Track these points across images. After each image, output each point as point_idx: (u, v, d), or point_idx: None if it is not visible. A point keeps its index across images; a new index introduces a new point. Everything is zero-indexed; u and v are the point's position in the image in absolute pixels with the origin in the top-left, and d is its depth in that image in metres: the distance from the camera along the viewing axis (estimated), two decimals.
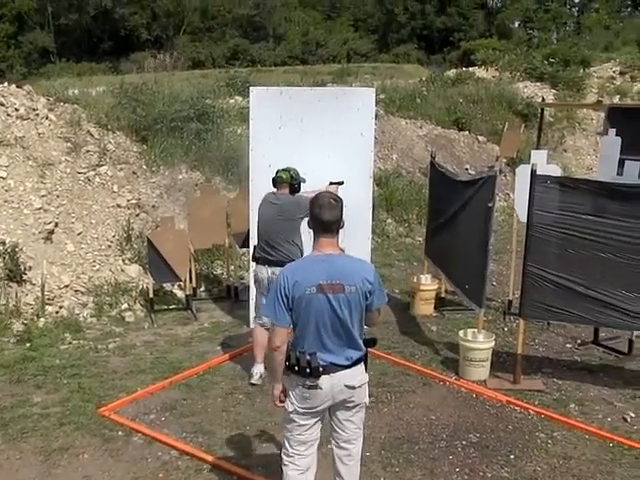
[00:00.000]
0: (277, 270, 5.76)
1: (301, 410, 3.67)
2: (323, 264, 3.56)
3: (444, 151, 14.20)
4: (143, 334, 7.38)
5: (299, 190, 6.02)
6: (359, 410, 3.77)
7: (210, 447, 5.02)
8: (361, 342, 3.66)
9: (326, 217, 3.55)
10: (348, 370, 3.61)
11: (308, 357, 3.55)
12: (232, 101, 13.02)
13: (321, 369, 3.55)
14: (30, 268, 7.63)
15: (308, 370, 3.55)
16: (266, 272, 5.95)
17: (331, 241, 3.60)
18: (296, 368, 3.59)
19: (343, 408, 3.72)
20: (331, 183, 6.22)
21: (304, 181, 6.08)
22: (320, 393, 3.59)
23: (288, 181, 5.96)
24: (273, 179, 6.02)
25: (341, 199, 3.68)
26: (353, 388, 3.64)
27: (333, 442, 3.86)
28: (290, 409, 3.70)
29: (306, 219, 3.92)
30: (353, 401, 3.69)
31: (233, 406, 5.67)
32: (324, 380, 3.57)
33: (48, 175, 8.66)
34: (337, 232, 3.62)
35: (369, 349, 3.75)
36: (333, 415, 3.77)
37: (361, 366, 3.69)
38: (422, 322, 7.70)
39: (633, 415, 5.54)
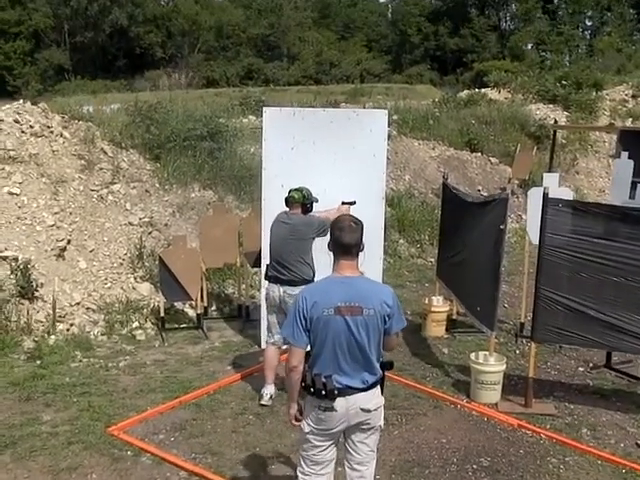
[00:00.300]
0: (289, 289, 5.81)
1: (317, 431, 3.68)
2: (342, 286, 3.58)
3: (456, 172, 14.20)
4: (154, 353, 7.38)
5: (311, 210, 6.05)
6: (374, 433, 3.77)
7: (219, 468, 5.00)
8: (378, 366, 3.66)
9: (346, 240, 3.58)
10: (364, 393, 3.61)
11: (324, 379, 3.55)
12: (245, 120, 13.10)
13: (336, 392, 3.54)
14: (42, 285, 7.67)
15: (324, 392, 3.55)
16: (278, 291, 5.97)
17: (351, 264, 3.62)
18: (312, 389, 3.60)
19: (358, 430, 3.72)
20: (343, 203, 6.24)
21: (316, 201, 6.10)
22: (335, 415, 3.60)
23: (300, 201, 6.00)
24: (285, 199, 6.05)
25: (361, 222, 3.70)
26: (369, 411, 3.64)
27: (346, 464, 3.85)
28: (306, 430, 3.71)
29: (325, 239, 3.94)
30: (369, 424, 3.70)
31: (243, 427, 5.64)
32: (339, 402, 3.57)
33: (61, 192, 8.72)
34: (357, 255, 3.64)
35: (386, 372, 3.75)
36: (348, 437, 3.77)
37: (377, 389, 3.69)
38: (433, 344, 7.67)
39: None
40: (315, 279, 5.70)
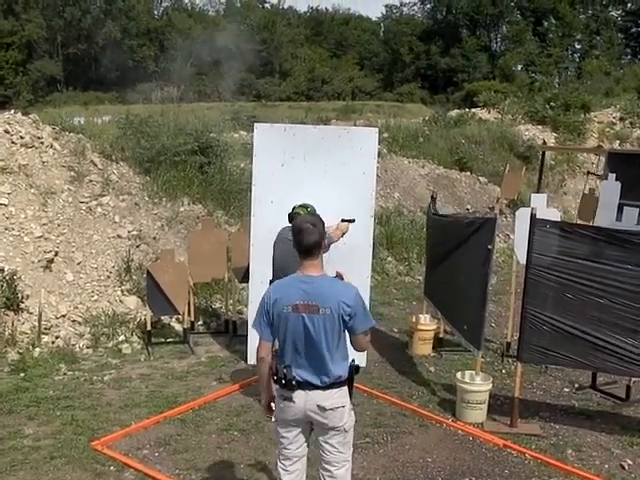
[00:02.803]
0: None
1: (280, 421, 3.83)
2: (302, 284, 3.71)
3: (446, 191, 14.28)
4: (139, 367, 7.33)
5: None
6: (337, 434, 3.80)
7: None
8: (340, 366, 3.72)
9: (306, 241, 3.71)
10: (323, 391, 3.70)
11: (285, 370, 3.69)
12: (236, 135, 13.14)
13: (294, 383, 3.68)
14: (28, 297, 7.62)
15: (284, 382, 3.70)
16: None
17: (312, 263, 3.75)
18: (275, 378, 3.77)
19: (321, 429, 3.81)
20: (343, 220, 6.27)
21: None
22: (293, 407, 3.72)
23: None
24: (289, 214, 6.03)
25: (321, 221, 3.82)
26: (324, 410, 3.70)
27: (319, 463, 3.93)
28: (273, 419, 3.89)
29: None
30: (326, 423, 3.75)
31: (227, 443, 5.61)
32: (298, 395, 3.70)
33: (50, 203, 8.70)
34: (318, 254, 3.76)
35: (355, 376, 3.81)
36: (315, 437, 3.87)
37: (340, 391, 3.75)
38: (420, 362, 7.67)
39: (630, 462, 5.47)
40: None
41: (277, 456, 3.94)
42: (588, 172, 13.19)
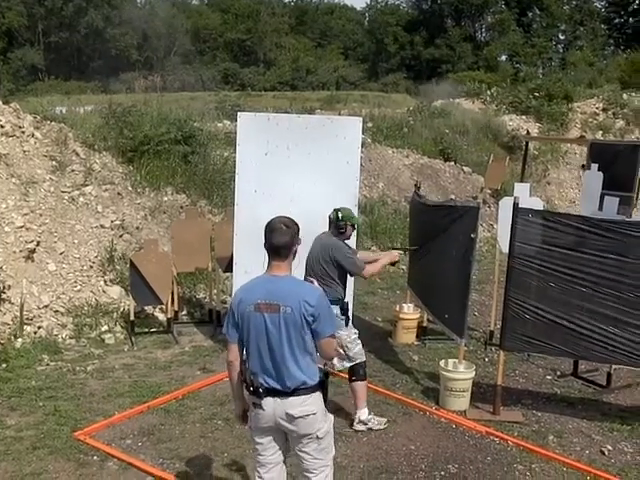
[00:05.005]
0: (332, 307, 5.58)
1: (253, 427, 3.73)
2: (266, 284, 3.62)
3: (430, 181, 14.31)
4: (122, 357, 7.31)
5: (344, 230, 5.77)
6: (311, 441, 3.66)
7: (187, 474, 4.96)
8: (306, 371, 3.59)
9: (275, 241, 3.60)
10: (290, 398, 3.58)
11: (252, 376, 3.60)
12: (220, 125, 13.07)
13: (261, 390, 3.57)
14: (9, 287, 7.56)
15: (252, 389, 3.61)
16: None
17: (280, 264, 3.63)
18: (245, 384, 3.66)
19: (293, 438, 3.69)
20: (393, 248, 6.08)
21: (358, 222, 6.10)
22: (263, 414, 3.61)
23: (334, 221, 5.77)
24: (329, 216, 5.83)
25: (296, 225, 3.69)
26: (293, 418, 3.58)
27: (299, 469, 3.84)
28: (247, 427, 3.81)
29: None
30: (296, 431, 3.63)
31: (211, 432, 5.61)
32: (268, 402, 3.59)
33: (32, 193, 8.61)
34: (287, 256, 3.64)
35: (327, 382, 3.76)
36: (291, 444, 3.75)
37: (309, 397, 3.61)
38: (403, 351, 7.70)
39: (610, 448, 5.55)
40: (344, 304, 5.70)
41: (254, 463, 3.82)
42: (583, 166, 13.24)
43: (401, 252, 6.01)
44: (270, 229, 3.63)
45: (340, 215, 5.72)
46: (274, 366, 3.57)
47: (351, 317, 5.88)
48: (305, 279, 5.63)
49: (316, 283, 3.83)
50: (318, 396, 3.68)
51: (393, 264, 6.20)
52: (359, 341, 5.83)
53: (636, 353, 5.68)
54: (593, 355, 5.91)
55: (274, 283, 3.60)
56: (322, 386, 3.71)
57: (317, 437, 3.67)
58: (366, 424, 5.75)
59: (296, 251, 3.70)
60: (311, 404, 3.62)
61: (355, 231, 6.10)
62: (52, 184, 9.01)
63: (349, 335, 5.72)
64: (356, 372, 5.72)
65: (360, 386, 5.78)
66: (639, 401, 6.56)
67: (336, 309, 5.46)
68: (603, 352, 5.77)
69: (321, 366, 3.76)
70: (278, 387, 3.58)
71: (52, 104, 12.05)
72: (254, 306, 3.56)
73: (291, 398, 3.58)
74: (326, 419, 3.74)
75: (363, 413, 5.79)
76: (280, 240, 3.60)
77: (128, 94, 22.37)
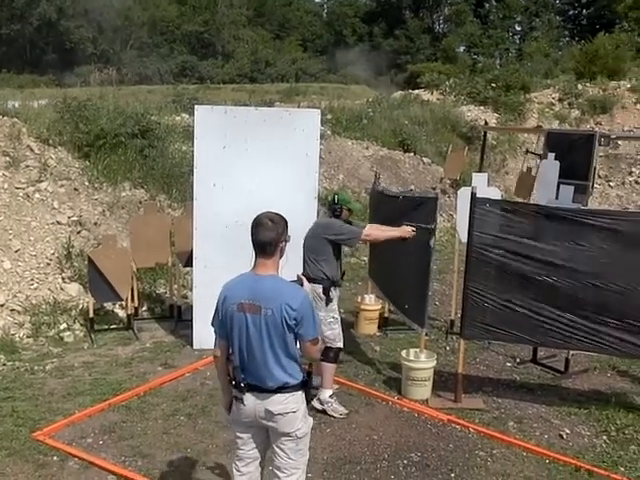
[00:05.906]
0: (315, 285, 5.67)
1: (234, 420, 3.73)
2: (250, 283, 3.55)
3: (389, 172, 14.38)
4: (82, 355, 7.20)
5: (339, 213, 6.00)
6: (289, 440, 3.63)
7: (149, 471, 4.91)
8: (287, 372, 3.56)
9: (259, 237, 3.51)
10: (272, 395, 3.55)
11: (234, 371, 3.58)
12: (178, 118, 12.93)
13: (243, 384, 3.56)
14: None
15: (234, 383, 3.60)
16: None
17: (264, 262, 3.54)
18: (229, 378, 3.64)
19: (273, 434, 3.66)
20: (406, 224, 6.12)
21: (355, 207, 6.24)
22: (244, 409, 3.60)
23: (330, 203, 6.11)
24: (328, 202, 6.12)
25: (283, 220, 3.60)
26: (272, 414, 3.56)
27: (269, 463, 3.81)
28: (229, 419, 3.80)
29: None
30: (276, 428, 3.61)
31: (174, 428, 5.56)
32: (249, 398, 3.58)
33: None
34: (273, 254, 3.55)
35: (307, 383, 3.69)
36: (270, 440, 3.73)
37: (291, 395, 3.58)
38: (365, 342, 7.74)
39: (568, 432, 5.66)
40: (332, 280, 5.88)
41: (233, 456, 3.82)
42: (527, 151, 13.45)
43: (414, 229, 6.07)
44: (256, 224, 3.54)
45: (337, 198, 6.00)
46: (256, 365, 3.54)
47: (335, 299, 6.01)
48: (302, 258, 5.84)
49: (306, 282, 3.72)
50: (300, 395, 3.65)
51: (404, 239, 6.15)
52: (336, 326, 5.93)
53: (592, 339, 5.79)
54: (551, 342, 6.01)
55: (258, 282, 3.52)
56: (305, 385, 3.66)
57: (296, 436, 3.64)
58: (322, 405, 5.81)
59: (283, 248, 3.61)
60: (292, 402, 3.59)
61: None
62: (6, 180, 8.81)
63: (325, 318, 5.78)
64: (326, 354, 5.64)
65: (327, 367, 5.85)
66: (596, 385, 6.71)
67: (319, 288, 5.75)
68: (560, 338, 5.87)
69: (305, 366, 3.74)
70: (260, 385, 3.56)
71: (4, 98, 11.80)
72: (237, 305, 3.51)
73: (272, 396, 3.56)
74: (306, 420, 3.72)
75: (324, 393, 5.86)
76: (265, 236, 3.50)
77: (83, 88, 21.99)
